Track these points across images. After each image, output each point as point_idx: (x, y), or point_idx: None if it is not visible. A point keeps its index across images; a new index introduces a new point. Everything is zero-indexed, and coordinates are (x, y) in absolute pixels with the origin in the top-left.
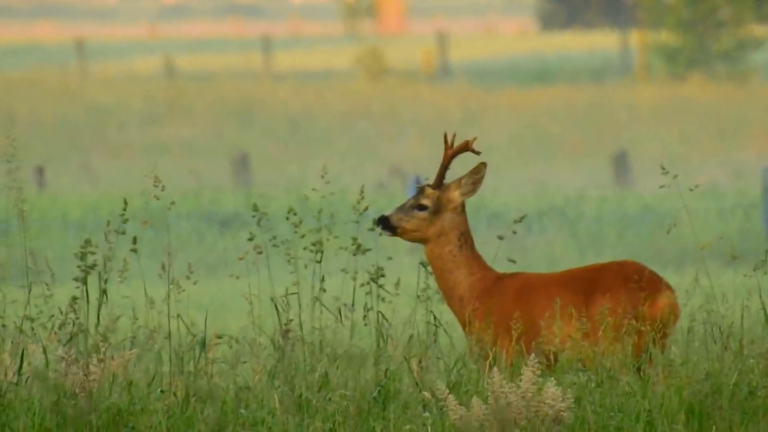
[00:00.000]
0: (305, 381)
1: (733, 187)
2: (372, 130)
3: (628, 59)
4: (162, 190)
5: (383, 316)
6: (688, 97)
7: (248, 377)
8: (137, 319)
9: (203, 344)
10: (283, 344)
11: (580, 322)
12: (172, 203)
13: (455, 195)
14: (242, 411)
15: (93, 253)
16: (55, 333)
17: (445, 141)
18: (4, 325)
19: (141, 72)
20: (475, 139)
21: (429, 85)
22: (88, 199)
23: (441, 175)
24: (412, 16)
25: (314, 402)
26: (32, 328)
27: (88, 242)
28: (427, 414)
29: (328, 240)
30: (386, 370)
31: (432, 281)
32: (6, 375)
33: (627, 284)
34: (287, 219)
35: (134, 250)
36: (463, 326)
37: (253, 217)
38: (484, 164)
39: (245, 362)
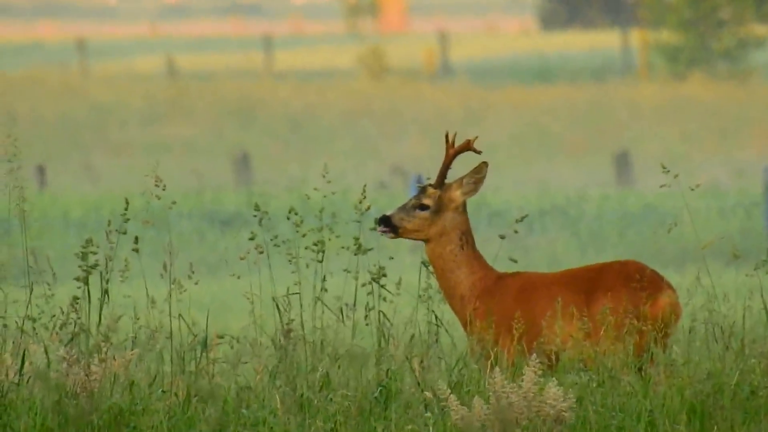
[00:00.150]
0: (307, 381)
1: (734, 186)
2: (373, 129)
3: (630, 58)
4: (163, 190)
5: (385, 315)
6: (690, 96)
7: (249, 377)
8: (138, 318)
9: (204, 344)
10: (284, 344)
11: (582, 322)
12: (174, 203)
13: (457, 194)
14: (244, 411)
15: (94, 253)
16: (57, 333)
17: (447, 140)
18: (5, 325)
19: (142, 71)
20: (476, 138)
21: (430, 84)
22: (90, 198)
23: (442, 175)
24: (413, 15)
25: (316, 402)
26: (33, 328)
27: (89, 242)
28: (428, 414)
29: (329, 239)
30: (388, 369)
31: (433, 281)
32: (7, 375)
33: (628, 284)
34: (288, 218)
35: (136, 250)
36: (465, 326)
37: (255, 216)
38: (485, 163)
39: (246, 362)
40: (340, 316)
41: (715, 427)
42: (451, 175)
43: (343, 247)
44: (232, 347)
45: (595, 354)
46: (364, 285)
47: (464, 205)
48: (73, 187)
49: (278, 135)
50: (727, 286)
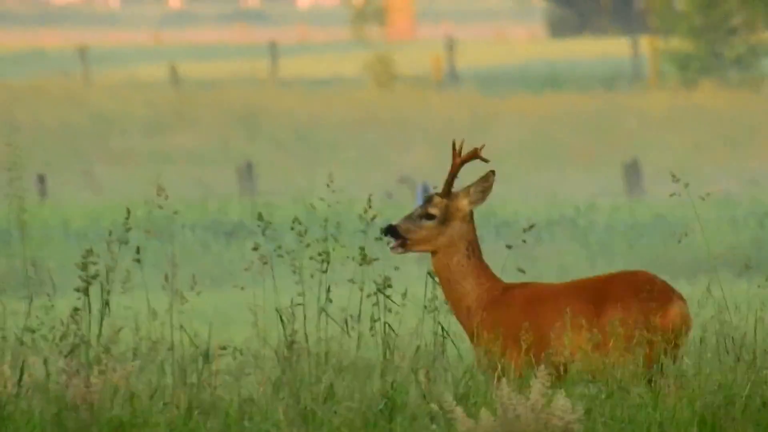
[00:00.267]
0: (310, 393)
1: (746, 196)
2: (379, 137)
3: (640, 66)
4: (166, 199)
5: (390, 326)
6: (700, 104)
7: (252, 389)
8: (140, 330)
9: (207, 356)
10: (288, 356)
11: (591, 333)
12: (176, 212)
13: (464, 204)
14: (246, 423)
15: (95, 264)
16: (57, 344)
17: (454, 149)
18: (4, 337)
19: (145, 79)
20: (483, 146)
21: (437, 92)
22: (91, 207)
23: (449, 184)
24: (420, 22)
25: (319, 414)
26: (33, 340)
27: (90, 252)
28: (434, 426)
29: (334, 250)
30: (393, 381)
31: (439, 291)
32: (6, 387)
33: (638, 294)
34: (293, 228)
35: (137, 261)
36: (471, 337)
37: (259, 226)
38: (492, 172)
39: (249, 374)
40: (345, 328)
41: None
42: (458, 184)
43: (348, 258)
44: (234, 359)
45: (604, 365)
46: (369, 296)
47: (471, 214)
48: (74, 196)
49: (283, 144)
50: (738, 297)
